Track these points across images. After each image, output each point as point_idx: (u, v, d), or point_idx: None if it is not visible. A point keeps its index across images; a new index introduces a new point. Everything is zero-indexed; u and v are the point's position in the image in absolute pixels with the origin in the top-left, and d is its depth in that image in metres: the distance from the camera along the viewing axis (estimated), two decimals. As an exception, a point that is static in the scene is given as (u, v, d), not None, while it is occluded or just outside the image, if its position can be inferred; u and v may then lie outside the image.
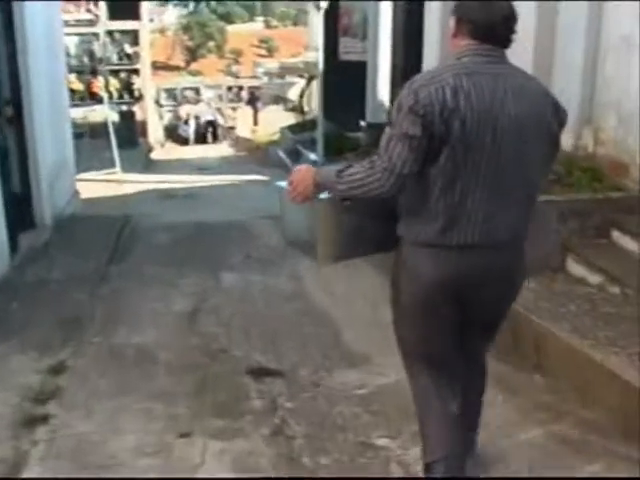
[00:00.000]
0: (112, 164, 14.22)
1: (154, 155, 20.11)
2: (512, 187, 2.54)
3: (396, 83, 12.42)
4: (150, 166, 17.26)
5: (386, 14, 12.82)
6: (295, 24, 60.37)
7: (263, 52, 53.05)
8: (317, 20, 26.57)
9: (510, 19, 2.53)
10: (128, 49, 19.17)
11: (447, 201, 2.49)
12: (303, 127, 15.96)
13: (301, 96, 18.05)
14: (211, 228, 8.85)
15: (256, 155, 18.61)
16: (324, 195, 2.69)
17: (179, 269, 6.82)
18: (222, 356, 4.79)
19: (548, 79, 6.46)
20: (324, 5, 11.71)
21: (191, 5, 61.22)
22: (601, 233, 5.42)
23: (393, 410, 3.90)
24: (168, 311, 5.65)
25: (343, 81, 14.34)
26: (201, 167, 16.87)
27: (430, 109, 2.38)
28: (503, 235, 2.60)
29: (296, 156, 14.83)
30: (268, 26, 61.37)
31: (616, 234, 5.40)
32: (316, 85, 23.08)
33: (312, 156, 13.47)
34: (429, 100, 2.39)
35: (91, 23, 17.90)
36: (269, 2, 62.15)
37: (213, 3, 61.20)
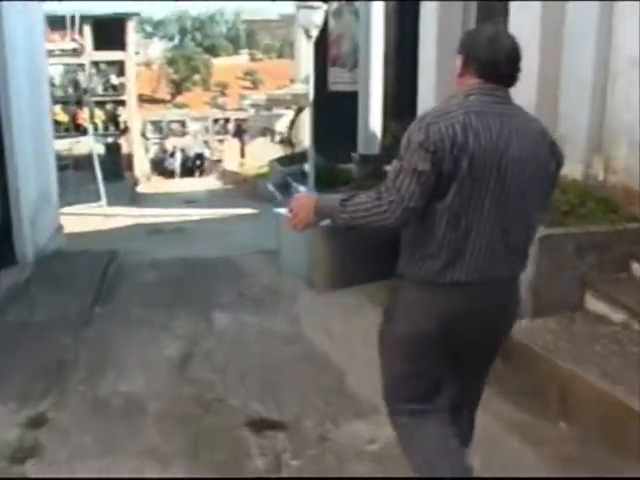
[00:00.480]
0: (97, 197, 13.89)
1: (140, 188, 19.81)
2: (513, 223, 2.57)
3: (388, 113, 12.17)
4: (136, 199, 16.94)
5: (377, 42, 12.58)
6: (280, 57, 60.59)
7: (248, 84, 53.26)
8: (304, 51, 26.55)
9: (515, 58, 2.58)
10: (114, 80, 18.93)
11: (452, 236, 2.50)
12: (292, 160, 15.67)
13: (290, 128, 17.78)
14: (200, 265, 8.49)
15: (244, 188, 18.30)
16: (324, 223, 2.66)
17: (168, 310, 6.44)
18: (218, 406, 4.39)
19: (554, 106, 6.17)
20: (315, 33, 11.44)
21: (176, 39, 61.59)
22: (620, 266, 5.09)
23: (408, 469, 3.51)
24: (158, 356, 5.25)
25: (333, 112, 14.11)
26: (188, 200, 16.55)
27: (440, 145, 2.40)
28: (504, 271, 2.63)
29: (286, 189, 14.49)
30: (253, 59, 61.49)
31: (636, 266, 5.08)
32: (305, 116, 22.95)
33: (302, 189, 13.12)
34: (439, 136, 2.41)
35: (76, 53, 17.66)
36: (254, 35, 62.63)
37: (198, 36, 61.55)
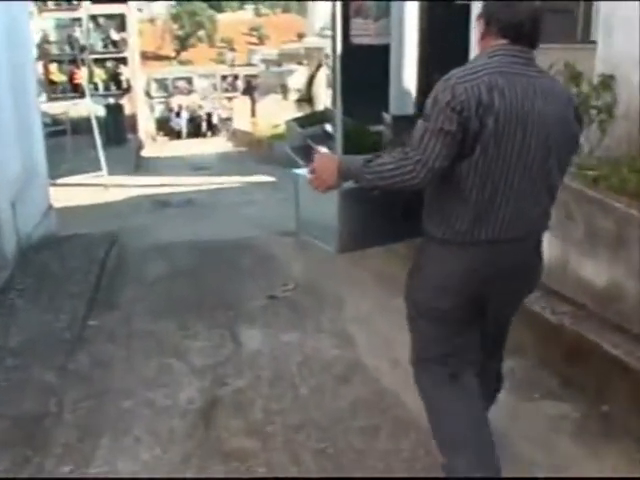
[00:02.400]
0: (97, 166, 12.35)
1: (145, 152, 18.33)
2: (537, 182, 2.56)
3: (426, 68, 10.68)
4: (141, 166, 15.46)
5: (412, -13, 11.02)
6: (285, 11, 60.84)
7: (254, 40, 52.14)
8: (319, 2, 24.93)
9: (536, 18, 2.58)
10: (114, 35, 17.33)
11: (477, 195, 2.50)
12: (312, 120, 14.17)
13: (308, 85, 16.20)
14: (217, 250, 7.10)
15: (258, 151, 16.79)
16: (347, 184, 2.64)
17: (182, 322, 5.06)
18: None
19: None
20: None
21: None
22: None
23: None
24: (170, 405, 3.86)
25: (357, 68, 12.31)
26: (198, 166, 15.06)
27: (467, 105, 2.40)
28: (528, 228, 2.64)
29: (306, 153, 13.03)
30: (258, 14, 60.96)
31: None
32: (323, 73, 21.36)
33: (326, 151, 11.69)
34: (465, 96, 2.41)
35: (72, 6, 16.01)
36: None
37: None
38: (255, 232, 7.89)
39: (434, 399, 2.81)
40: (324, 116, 14.49)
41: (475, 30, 2.74)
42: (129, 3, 17.36)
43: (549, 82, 2.62)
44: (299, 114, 18.00)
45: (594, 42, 7.66)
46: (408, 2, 11.05)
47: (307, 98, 16.06)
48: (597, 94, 5.49)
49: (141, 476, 3.21)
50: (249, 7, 62.34)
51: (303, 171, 2.87)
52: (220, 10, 60.41)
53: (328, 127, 13.67)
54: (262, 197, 10.60)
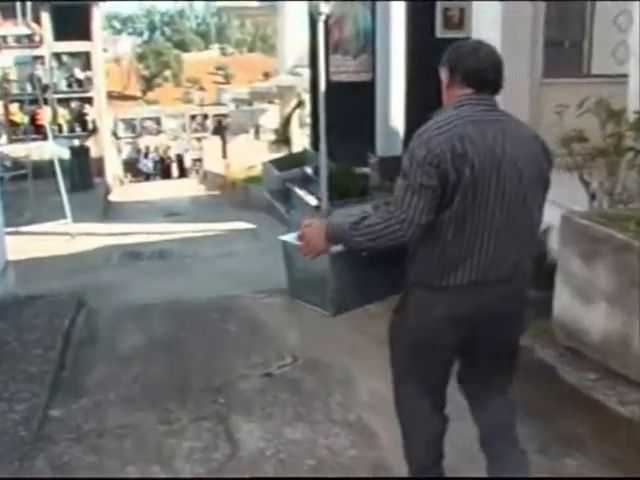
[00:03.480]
0: (62, 213, 11.43)
1: (113, 196, 17.40)
2: (515, 224, 2.62)
3: (415, 107, 10.01)
4: (109, 212, 14.54)
5: (398, 23, 10.38)
6: (251, 50, 61.73)
7: (220, 79, 52.18)
8: (290, 40, 24.34)
9: (499, 66, 2.67)
10: (79, 74, 16.49)
11: (457, 243, 2.56)
12: (291, 162, 13.38)
13: (285, 125, 15.45)
14: (198, 315, 6.27)
15: (233, 195, 15.97)
16: (335, 248, 2.72)
17: (163, 413, 4.23)
18: None
19: None
20: (326, 10, 9.15)
21: (145, 34, 61.04)
22: None
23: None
24: None
25: (338, 106, 11.76)
26: (170, 211, 14.17)
27: (443, 157, 2.47)
28: (509, 269, 2.66)
29: (285, 197, 12.28)
30: (224, 53, 61.20)
31: None
32: (297, 113, 20.70)
33: (309, 199, 10.92)
34: (440, 149, 2.47)
35: (33, 43, 15.18)
36: (224, 30, 62.46)
37: (168, 31, 61.18)
38: (238, 290, 7.07)
39: (408, 411, 2.95)
40: (303, 158, 13.76)
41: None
42: (94, 40, 16.56)
43: (516, 126, 2.69)
44: (272, 155, 17.31)
45: (608, 76, 7.11)
46: (394, 38, 10.39)
47: (283, 139, 15.31)
48: (636, 133, 4.83)
49: None
50: (215, 47, 62.80)
51: (290, 237, 2.87)
52: (186, 49, 60.95)
53: (308, 170, 12.95)
54: (242, 247, 9.77)
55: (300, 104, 15.56)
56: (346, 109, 11.47)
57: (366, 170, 11.18)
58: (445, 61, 2.73)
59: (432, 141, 2.49)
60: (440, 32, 11.53)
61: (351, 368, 4.80)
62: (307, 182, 12.29)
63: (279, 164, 13.68)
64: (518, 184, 2.59)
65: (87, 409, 4.34)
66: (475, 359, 2.84)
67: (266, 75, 42.82)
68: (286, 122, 15.54)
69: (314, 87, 14.52)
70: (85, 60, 16.71)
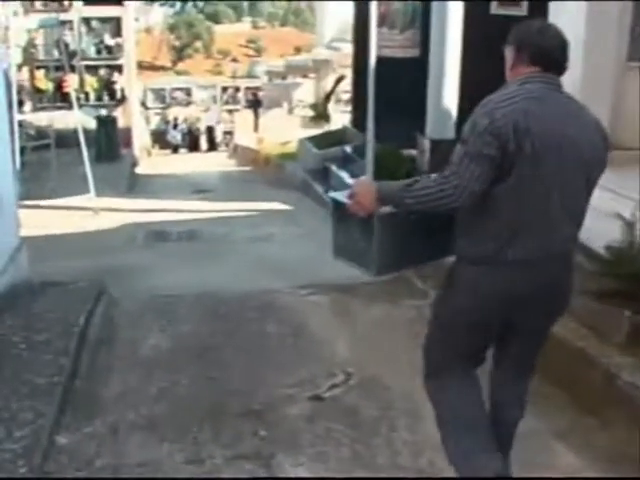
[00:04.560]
0: (85, 186, 10.69)
1: (140, 169, 16.63)
2: (569, 203, 2.61)
3: (471, 88, 9.11)
4: (135, 186, 13.76)
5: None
6: (283, 25, 61.19)
7: (251, 52, 51.64)
8: (330, 11, 23.40)
9: (564, 46, 2.67)
10: (108, 40, 15.70)
11: (511, 216, 2.56)
12: (330, 140, 12.56)
13: (326, 100, 14.57)
14: (232, 312, 5.52)
15: (266, 172, 15.14)
16: (385, 208, 2.69)
17: (192, 445, 3.47)
18: None
19: None
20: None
21: (178, 5, 60.87)
22: None
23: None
24: None
25: (382, 83, 10.89)
26: (199, 187, 13.37)
27: (505, 130, 2.46)
28: (558, 249, 2.67)
29: (324, 177, 11.47)
30: (255, 27, 60.80)
31: None
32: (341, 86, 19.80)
33: (350, 181, 10.07)
34: (504, 121, 2.47)
35: (62, 7, 14.39)
36: (257, 2, 62.01)
37: (200, 3, 61.01)
38: (277, 283, 6.32)
39: (445, 404, 2.87)
40: (342, 136, 12.92)
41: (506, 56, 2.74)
42: (126, 5, 15.74)
43: (578, 108, 2.68)
44: (307, 131, 16.51)
45: None
46: (451, 14, 9.47)
47: (322, 115, 14.44)
48: None
49: None
50: (247, 19, 62.24)
51: (340, 195, 2.92)
52: (217, 21, 60.36)
53: (348, 149, 12.13)
54: (278, 231, 8.95)
55: (341, 79, 14.65)
56: (391, 86, 10.58)
57: (413, 152, 10.31)
58: (512, 39, 2.72)
59: (496, 112, 2.49)
60: (495, 8, 10.74)
61: (416, 393, 3.96)
62: (347, 162, 11.46)
63: (317, 141, 12.86)
64: (576, 165, 2.58)
65: (101, 436, 3.59)
66: (514, 338, 2.83)
67: (298, 50, 42.04)
68: (326, 97, 14.67)
69: (357, 62, 13.70)
70: (115, 26, 15.90)
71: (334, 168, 11.27)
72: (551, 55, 2.64)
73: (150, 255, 8.01)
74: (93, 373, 4.34)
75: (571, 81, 6.07)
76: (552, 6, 6.16)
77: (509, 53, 2.72)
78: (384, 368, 4.35)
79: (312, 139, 13.14)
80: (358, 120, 12.88)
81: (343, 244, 3.01)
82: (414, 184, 2.56)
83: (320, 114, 14.63)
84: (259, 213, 10.42)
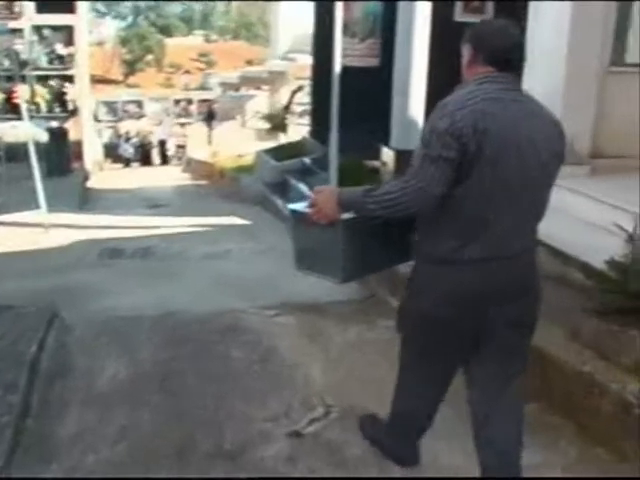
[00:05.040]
0: (35, 201, 10.19)
1: (92, 183, 16.11)
2: (529, 202, 2.67)
3: (438, 97, 8.89)
4: (87, 201, 13.28)
5: (422, 6, 9.22)
6: (234, 38, 60.77)
7: (202, 66, 51.43)
8: (284, 23, 23.17)
9: (521, 46, 2.73)
10: (61, 50, 15.14)
11: (471, 218, 2.59)
12: (288, 152, 12.26)
13: (285, 111, 14.26)
14: (196, 336, 5.16)
15: (221, 185, 14.76)
16: (346, 215, 2.72)
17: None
18: None
19: None
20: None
21: (129, 18, 60.05)
22: None
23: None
24: None
25: (342, 93, 10.65)
26: (153, 202, 12.94)
27: (465, 131, 2.48)
28: (518, 247, 2.69)
29: (283, 191, 11.14)
30: (207, 40, 60.49)
31: None
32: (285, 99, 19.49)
33: (309, 193, 9.75)
34: (463, 123, 2.48)
35: (12, 15, 13.87)
36: (208, 16, 61.86)
37: (152, 16, 60.32)
38: (239, 303, 5.97)
39: (408, 381, 3.03)
40: (301, 148, 12.63)
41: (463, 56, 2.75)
42: (78, 13, 15.22)
43: (535, 107, 2.71)
44: (261, 143, 16.19)
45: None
46: (418, 20, 9.23)
47: (280, 126, 14.15)
48: None
49: None
50: (198, 33, 61.89)
51: (299, 206, 2.93)
52: (169, 35, 59.83)
53: (308, 161, 11.83)
54: (236, 247, 8.57)
55: (299, 89, 14.37)
56: (352, 96, 10.32)
57: (376, 164, 10.04)
58: (469, 38, 2.72)
59: (456, 114, 2.48)
60: (459, 15, 10.61)
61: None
62: (307, 174, 11.18)
63: (275, 154, 12.56)
64: (535, 163, 2.60)
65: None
66: (487, 348, 2.78)
67: (249, 62, 41.82)
68: (285, 109, 14.35)
69: (316, 72, 13.42)
70: (68, 35, 15.34)
71: (293, 181, 10.98)
72: (507, 55, 2.65)
73: (104, 274, 7.57)
74: (46, 410, 3.93)
75: (554, 85, 5.89)
76: (532, 9, 5.96)
77: (466, 52, 2.73)
78: (365, 396, 4.02)
79: (270, 151, 12.84)
80: (317, 132, 12.63)
81: (305, 255, 2.97)
82: (376, 189, 2.59)
83: (277, 126, 14.32)
84: (216, 229, 10.03)
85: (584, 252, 4.87)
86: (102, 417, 3.85)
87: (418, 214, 2.63)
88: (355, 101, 10.39)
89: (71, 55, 15.40)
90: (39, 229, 9.80)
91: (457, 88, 2.69)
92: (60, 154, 14.03)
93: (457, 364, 2.90)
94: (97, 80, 38.75)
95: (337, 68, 8.68)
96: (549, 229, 5.37)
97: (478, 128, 2.48)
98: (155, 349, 4.88)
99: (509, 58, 2.65)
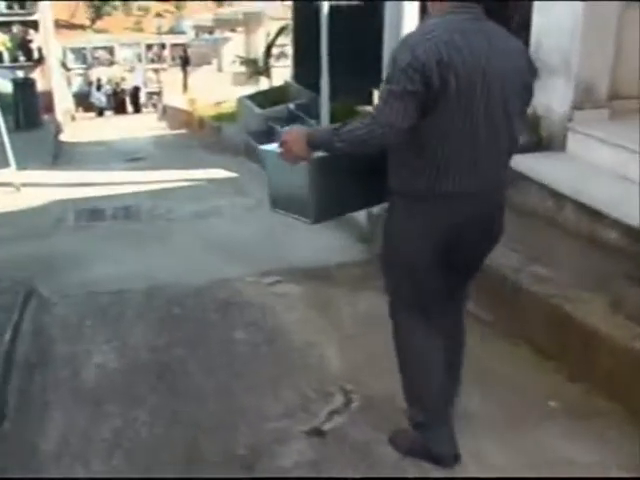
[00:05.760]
0: (3, 159, 9.53)
1: (64, 136, 15.38)
2: (498, 133, 2.61)
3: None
4: (60, 155, 12.60)
5: None
6: None
7: (171, 9, 49.85)
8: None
9: None
10: (21, -7, 14.29)
11: (440, 153, 2.56)
12: (272, 97, 11.62)
13: (267, 54, 13.50)
14: (192, 313, 4.67)
15: (202, 135, 14.11)
16: (316, 153, 2.71)
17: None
18: None
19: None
20: None
21: None
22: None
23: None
24: None
25: (330, 33, 9.99)
26: (132, 155, 12.29)
27: (428, 64, 2.44)
28: (491, 181, 2.69)
29: (268, 139, 10.48)
30: None
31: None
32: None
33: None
34: (426, 56, 2.44)
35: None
36: None
37: None
38: (234, 269, 5.48)
39: (409, 351, 2.94)
40: (285, 93, 11.99)
41: None
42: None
43: (503, 37, 2.65)
44: (240, 88, 15.48)
45: None
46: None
47: (263, 71, 13.42)
48: None
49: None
50: None
51: (271, 147, 2.91)
52: None
53: (293, 107, 11.22)
54: (226, 203, 8.01)
55: (283, 30, 13.63)
56: (339, 38, 9.73)
57: (369, 109, 9.44)
58: None
59: (417, 47, 2.45)
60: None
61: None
62: (294, 121, 10.57)
63: (258, 100, 11.92)
64: (502, 95, 2.57)
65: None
66: (453, 266, 2.81)
67: (219, 5, 40.52)
68: (267, 51, 13.61)
69: (298, 10, 12.68)
70: (27, -24, 14.48)
71: (280, 129, 10.37)
72: None
73: (84, 239, 7.00)
74: (25, 411, 3.41)
75: (571, 26, 5.33)
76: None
77: None
78: (389, 381, 3.52)
79: (252, 97, 12.18)
80: (301, 75, 11.98)
81: (279, 195, 2.96)
82: (343, 127, 2.56)
83: (259, 70, 13.60)
84: (201, 183, 9.44)
85: (614, 207, 4.39)
86: (91, 418, 3.34)
87: (387, 150, 2.64)
88: (342, 43, 9.80)
89: (33, -2, 14.52)
90: (9, 189, 9.18)
91: (423, 20, 2.69)
92: (28, 106, 13.34)
93: (440, 286, 2.87)
94: (62, 25, 37.52)
95: (325, 5, 8.04)
96: (570, 180, 4.94)
97: (442, 60, 2.43)
98: (147, 332, 4.35)
99: None
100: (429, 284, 2.81)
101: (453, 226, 2.66)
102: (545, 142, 5.70)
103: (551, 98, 5.62)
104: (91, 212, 8.07)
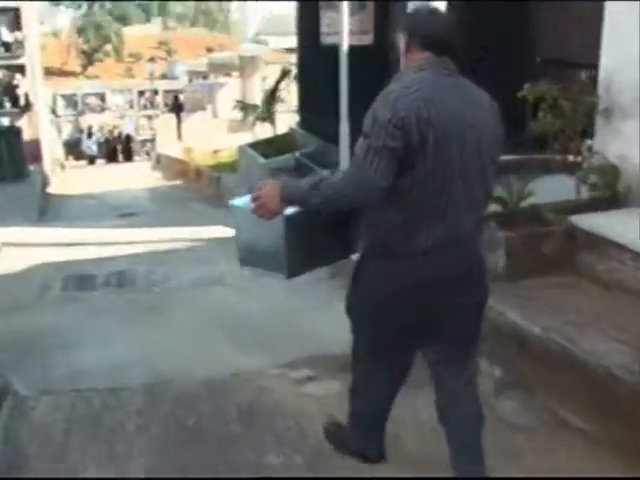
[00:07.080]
0: (-16, 215, 8.65)
1: (52, 188, 14.55)
2: (474, 187, 2.61)
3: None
4: (47, 210, 11.74)
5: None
6: (193, 25, 60.60)
7: (163, 55, 50.31)
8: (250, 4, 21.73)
9: (455, 29, 2.68)
10: (6, 35, 13.48)
11: (415, 209, 2.54)
12: (277, 146, 10.80)
13: (269, 101, 12.69)
14: (209, 427, 3.74)
15: (199, 186, 13.26)
16: (290, 209, 2.70)
17: None
18: None
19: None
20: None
21: (84, 6, 58.30)
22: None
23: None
24: None
25: (334, 77, 9.27)
26: (125, 210, 11.44)
27: (407, 120, 2.43)
28: (468, 232, 2.67)
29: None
30: (166, 28, 59.77)
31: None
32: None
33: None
34: (406, 112, 2.44)
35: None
36: (165, 3, 60.90)
37: (108, 4, 58.82)
38: (252, 357, 4.63)
39: (361, 376, 3.03)
40: (292, 141, 11.15)
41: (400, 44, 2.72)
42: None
43: (474, 92, 2.67)
44: (236, 136, 14.74)
45: None
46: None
47: (267, 116, 12.60)
48: None
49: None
50: (156, 20, 60.91)
51: (242, 201, 2.88)
52: (127, 23, 58.46)
53: (300, 155, 10.39)
54: (230, 269, 6.94)
55: (286, 74, 12.87)
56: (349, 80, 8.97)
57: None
58: (403, 26, 2.73)
59: (398, 103, 2.45)
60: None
61: None
62: (301, 172, 9.74)
63: (261, 149, 11.08)
64: (476, 147, 2.57)
65: None
66: (440, 334, 2.75)
67: (210, 50, 40.37)
68: (271, 96, 12.84)
69: (303, 52, 11.88)
70: (14, 19, 13.70)
71: (255, 186, 9.53)
72: (442, 37, 2.62)
73: (71, 313, 6.07)
74: None
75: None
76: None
77: (402, 40, 2.70)
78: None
79: (255, 146, 11.35)
80: (308, 121, 11.17)
81: (249, 251, 2.92)
82: (320, 183, 2.52)
83: (263, 116, 12.80)
84: (202, 243, 8.52)
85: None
86: None
87: (363, 207, 2.61)
88: (351, 83, 9.06)
89: (19, 42, 13.74)
90: (-11, 251, 8.24)
91: (395, 77, 2.65)
92: (12, 156, 12.61)
93: (411, 354, 2.88)
94: (54, 72, 37.30)
95: (345, 47, 7.32)
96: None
97: (421, 117, 2.44)
98: (151, 455, 3.41)
99: (444, 40, 2.61)
100: (401, 347, 2.82)
101: (430, 284, 2.60)
102: (621, 197, 4.86)
103: (626, 145, 4.84)
104: (80, 279, 7.14)
